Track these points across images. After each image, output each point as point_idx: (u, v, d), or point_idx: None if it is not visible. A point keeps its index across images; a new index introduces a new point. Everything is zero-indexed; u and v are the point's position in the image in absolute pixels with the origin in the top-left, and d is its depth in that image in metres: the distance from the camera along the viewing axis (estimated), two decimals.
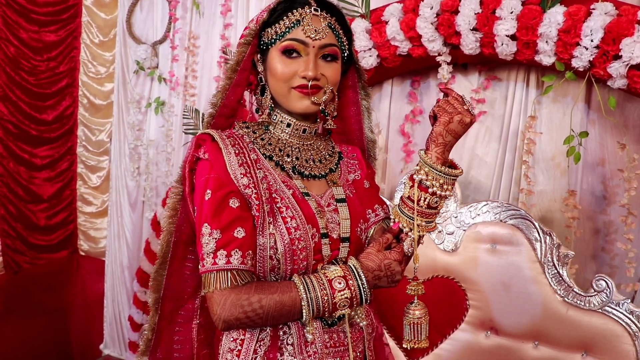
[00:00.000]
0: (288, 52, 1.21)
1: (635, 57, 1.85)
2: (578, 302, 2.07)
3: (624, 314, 2.00)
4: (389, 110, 2.66)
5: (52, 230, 3.57)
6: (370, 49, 2.34)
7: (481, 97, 2.46)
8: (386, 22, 2.30)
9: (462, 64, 2.45)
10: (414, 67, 2.49)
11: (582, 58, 1.97)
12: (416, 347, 1.22)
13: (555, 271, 2.11)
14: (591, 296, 2.06)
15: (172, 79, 3.18)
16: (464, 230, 2.28)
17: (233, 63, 1.25)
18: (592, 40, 1.93)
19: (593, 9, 1.95)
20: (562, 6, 1.99)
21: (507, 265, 2.19)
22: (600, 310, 2.04)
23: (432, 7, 2.19)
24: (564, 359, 2.10)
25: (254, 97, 1.37)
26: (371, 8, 2.41)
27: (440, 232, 2.30)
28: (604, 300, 2.04)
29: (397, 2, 2.33)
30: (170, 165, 3.24)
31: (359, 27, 2.35)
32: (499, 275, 2.20)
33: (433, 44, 2.23)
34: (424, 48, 2.27)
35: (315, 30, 1.20)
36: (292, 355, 1.18)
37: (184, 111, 3.02)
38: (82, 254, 3.71)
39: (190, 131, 2.98)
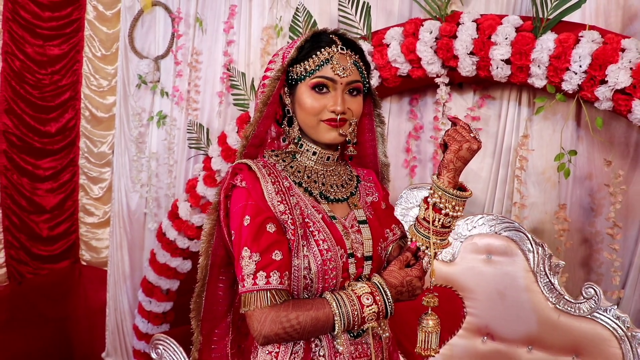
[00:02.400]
0: (318, 88, 1.32)
1: (620, 82, 2.00)
2: (569, 308, 2.22)
3: (611, 319, 2.15)
4: (388, 126, 2.78)
5: (55, 240, 3.63)
6: (372, 70, 2.46)
7: (476, 115, 2.60)
8: (387, 45, 2.43)
9: (458, 83, 2.59)
10: (413, 86, 2.62)
11: (571, 82, 2.12)
12: (427, 354, 1.34)
13: (547, 280, 2.25)
14: (581, 303, 2.20)
15: (175, 94, 3.27)
16: (461, 241, 2.41)
17: (264, 97, 1.35)
18: (580, 66, 2.08)
19: (581, 36, 2.10)
20: (553, 33, 2.15)
21: (502, 275, 2.33)
22: (589, 316, 2.19)
23: (432, 32, 2.32)
24: None
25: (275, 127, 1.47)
26: (372, 30, 2.53)
27: None
28: (593, 306, 2.18)
29: (397, 25, 2.47)
30: (172, 177, 3.33)
31: None
32: (495, 284, 2.34)
33: (432, 66, 2.37)
34: (423, 70, 2.40)
35: (343, 68, 1.31)
36: None
37: (188, 126, 3.12)
38: (84, 263, 3.77)
39: (194, 145, 3.08)
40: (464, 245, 2.40)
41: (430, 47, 2.33)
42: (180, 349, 2.45)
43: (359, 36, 2.56)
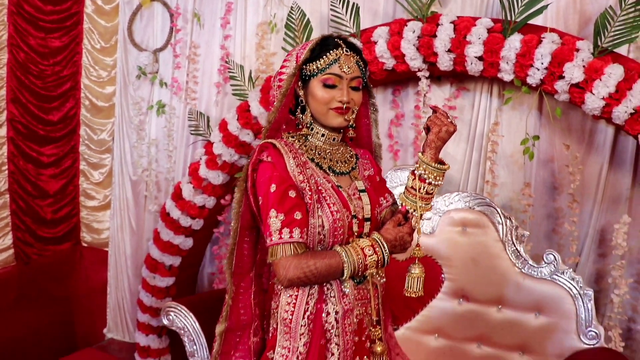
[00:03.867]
0: (328, 83, 1.68)
1: (575, 77, 2.40)
2: (532, 272, 2.62)
3: (567, 281, 2.56)
4: None
5: (57, 223, 3.93)
6: None
7: (452, 105, 2.99)
8: (375, 42, 2.79)
9: (436, 76, 2.97)
10: (397, 78, 3.00)
11: (534, 77, 2.51)
12: (413, 295, 1.71)
13: (514, 248, 2.65)
14: (542, 267, 2.61)
15: (174, 84, 3.59)
16: (440, 216, 2.80)
17: (283, 90, 1.70)
18: (542, 63, 2.47)
19: (543, 37, 2.49)
20: (519, 34, 2.53)
21: (475, 244, 2.72)
22: (549, 278, 2.59)
23: (415, 31, 2.70)
24: (521, 318, 2.64)
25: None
26: (361, 28, 2.90)
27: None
28: (552, 270, 2.59)
29: (384, 25, 2.83)
30: (172, 162, 3.66)
31: None
32: (469, 252, 2.73)
33: (414, 61, 2.74)
34: (406, 65, 2.78)
35: (348, 67, 1.67)
36: (333, 304, 1.66)
37: (189, 114, 3.45)
38: (85, 245, 4.07)
39: (196, 132, 3.41)
40: (442, 219, 2.79)
41: (413, 45, 2.70)
42: (191, 314, 2.78)
43: (348, 34, 2.92)
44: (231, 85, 3.28)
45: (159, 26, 3.70)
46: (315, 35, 3.04)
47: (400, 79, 3.03)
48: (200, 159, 3.25)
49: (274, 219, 1.59)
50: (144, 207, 3.82)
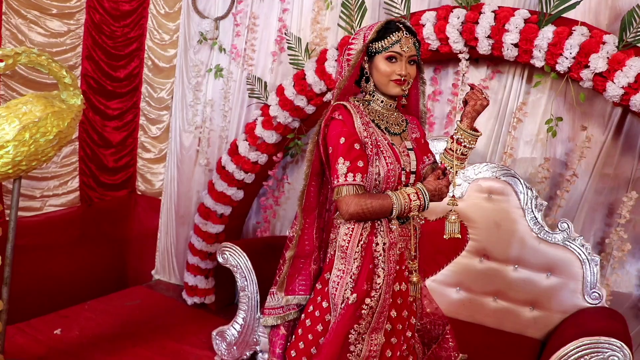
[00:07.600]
0: (390, 59, 2.13)
1: (599, 67, 2.82)
2: (547, 237, 3.07)
3: (577, 247, 3.01)
4: None
5: (117, 171, 4.47)
6: None
7: (486, 85, 3.42)
8: (423, 25, 3.23)
9: (474, 58, 3.40)
10: (439, 58, 3.44)
11: (563, 65, 2.94)
12: (457, 237, 2.16)
13: (533, 215, 3.11)
14: (556, 234, 3.06)
15: (233, 51, 4.07)
16: (469, 183, 3.26)
17: (352, 63, 2.14)
18: (571, 53, 2.89)
19: (573, 30, 2.91)
20: (552, 26, 2.95)
21: (498, 210, 3.18)
22: (561, 243, 3.04)
23: (459, 17, 3.13)
24: (535, 277, 3.10)
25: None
26: (411, 12, 3.33)
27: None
28: (565, 237, 3.04)
29: (431, 10, 3.27)
30: (226, 122, 4.16)
31: None
32: (492, 216, 3.19)
33: (457, 44, 3.18)
34: (449, 47, 3.21)
35: (407, 47, 2.13)
36: (382, 237, 2.13)
37: (247, 79, 3.93)
38: (139, 193, 4.61)
39: (253, 95, 3.90)
40: (471, 186, 3.25)
41: (457, 30, 3.14)
42: (244, 253, 3.29)
43: (399, 15, 3.36)
44: (288, 55, 3.75)
45: None
46: (369, 15, 3.53)
47: (441, 59, 3.47)
48: (257, 119, 3.74)
49: (342, 165, 2.06)
50: (194, 162, 4.33)
